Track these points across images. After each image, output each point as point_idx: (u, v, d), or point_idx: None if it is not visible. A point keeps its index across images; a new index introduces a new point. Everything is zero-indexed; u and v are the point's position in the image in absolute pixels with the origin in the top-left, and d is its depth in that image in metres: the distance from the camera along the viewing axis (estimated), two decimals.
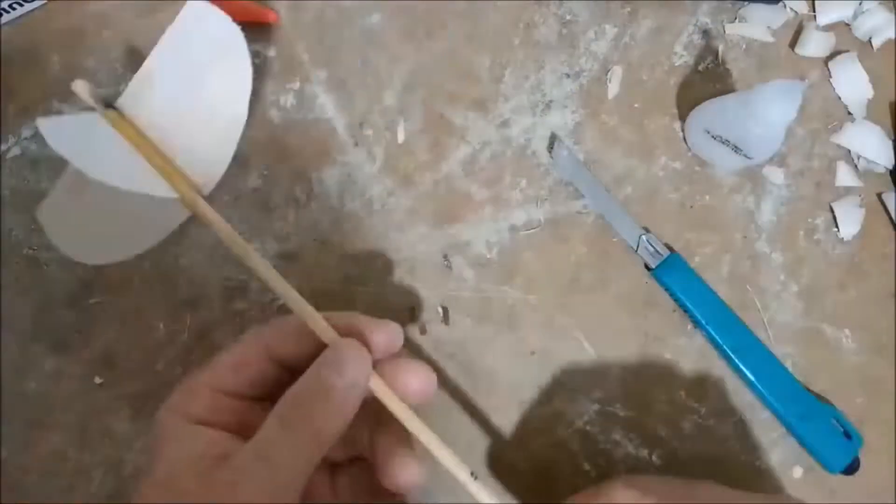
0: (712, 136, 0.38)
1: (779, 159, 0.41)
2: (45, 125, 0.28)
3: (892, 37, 0.42)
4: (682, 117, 0.41)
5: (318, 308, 0.29)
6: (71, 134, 0.29)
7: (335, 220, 0.40)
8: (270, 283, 0.28)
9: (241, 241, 0.29)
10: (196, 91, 0.30)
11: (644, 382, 0.39)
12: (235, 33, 0.30)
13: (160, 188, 0.28)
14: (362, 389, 0.27)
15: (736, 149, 0.37)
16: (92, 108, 0.30)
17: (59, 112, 0.41)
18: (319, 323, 0.28)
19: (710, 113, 0.38)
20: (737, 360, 0.38)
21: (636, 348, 0.39)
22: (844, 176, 0.41)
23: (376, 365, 0.28)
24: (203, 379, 0.27)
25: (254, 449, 0.24)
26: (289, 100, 0.41)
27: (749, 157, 0.37)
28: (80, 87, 0.30)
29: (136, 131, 0.30)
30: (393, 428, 0.28)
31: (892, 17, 0.42)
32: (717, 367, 0.39)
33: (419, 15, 0.42)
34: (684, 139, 0.41)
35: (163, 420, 0.26)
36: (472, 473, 0.27)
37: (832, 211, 0.40)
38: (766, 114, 0.34)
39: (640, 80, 0.42)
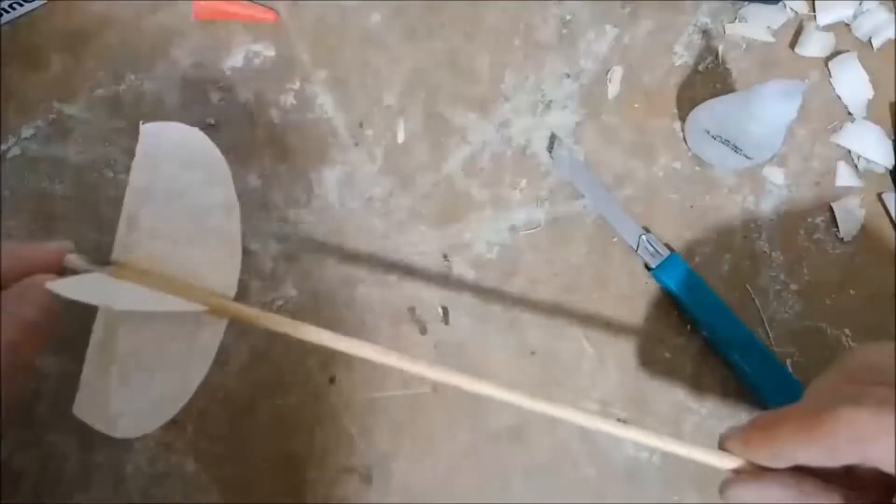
0: (712, 136, 0.38)
1: (779, 159, 0.41)
2: (58, 287, 0.27)
3: (892, 37, 0.42)
4: (682, 117, 0.41)
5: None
6: (85, 288, 0.29)
7: (335, 220, 0.40)
8: (341, 348, 0.28)
9: (289, 321, 0.28)
10: (181, 204, 0.29)
11: (644, 382, 0.39)
12: (192, 133, 0.29)
13: (186, 306, 0.28)
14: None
15: (736, 149, 0.37)
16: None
17: (59, 112, 0.41)
18: None
19: (710, 113, 0.38)
20: (737, 360, 0.38)
21: (636, 348, 0.39)
22: (844, 176, 0.41)
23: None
24: None
25: None
26: (289, 100, 0.41)
27: (749, 157, 0.37)
28: (73, 261, 0.29)
29: (142, 272, 0.29)
30: None
31: (892, 17, 0.42)
32: (717, 367, 0.39)
33: (419, 15, 0.42)
34: (684, 139, 0.41)
35: None
36: None
37: (832, 211, 0.40)
38: (765, 114, 0.34)
39: (640, 80, 0.42)
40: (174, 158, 0.29)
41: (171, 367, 0.28)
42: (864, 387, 0.22)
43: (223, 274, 0.29)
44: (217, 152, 0.30)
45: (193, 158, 0.30)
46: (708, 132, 0.38)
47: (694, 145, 0.40)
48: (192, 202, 0.29)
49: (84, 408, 0.30)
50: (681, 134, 0.41)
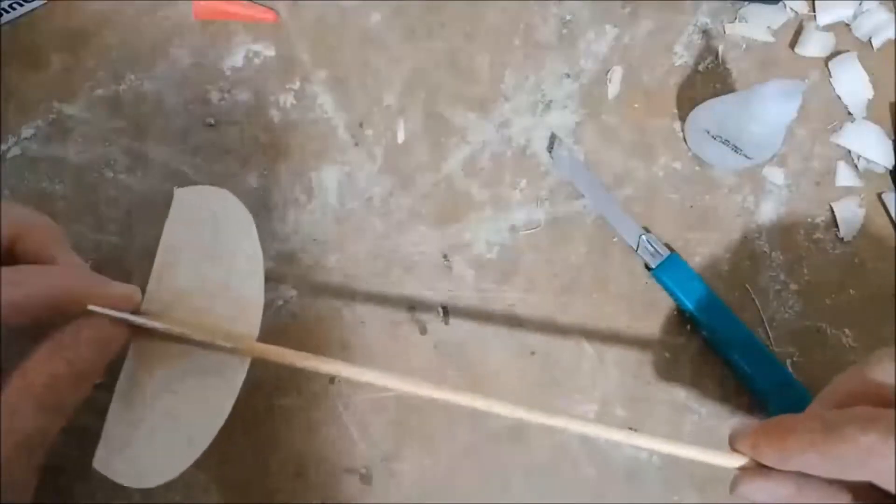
0: (712, 136, 0.38)
1: (779, 159, 0.41)
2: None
3: (892, 37, 0.42)
4: (682, 117, 0.41)
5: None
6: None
7: (335, 220, 0.40)
8: (364, 379, 0.29)
9: (314, 357, 0.29)
10: (209, 260, 0.31)
11: (644, 382, 0.39)
12: (222, 194, 0.32)
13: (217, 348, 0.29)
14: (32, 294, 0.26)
15: (736, 149, 0.37)
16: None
17: (59, 112, 0.41)
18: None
19: (710, 113, 0.38)
20: (737, 360, 0.38)
21: (636, 348, 0.39)
22: (844, 176, 0.41)
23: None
24: None
25: None
26: (289, 100, 0.41)
27: (749, 158, 0.37)
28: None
29: (171, 325, 0.29)
30: None
31: (892, 17, 0.42)
32: (717, 367, 0.39)
33: (419, 15, 0.42)
34: (684, 139, 0.41)
35: None
36: None
37: (832, 211, 0.40)
38: (765, 113, 0.34)
39: (640, 80, 0.42)
40: (205, 221, 0.31)
41: (198, 412, 0.29)
42: (875, 408, 0.23)
43: (247, 317, 0.30)
44: (243, 209, 0.32)
45: (221, 217, 0.32)
46: (708, 132, 0.38)
47: (694, 145, 0.40)
48: (219, 257, 0.31)
49: (108, 462, 0.30)
50: (681, 134, 0.41)
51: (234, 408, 0.38)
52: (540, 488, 0.38)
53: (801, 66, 0.42)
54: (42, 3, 0.41)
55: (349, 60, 0.42)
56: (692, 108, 0.41)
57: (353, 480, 0.38)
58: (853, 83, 0.41)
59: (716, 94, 0.40)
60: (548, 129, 0.41)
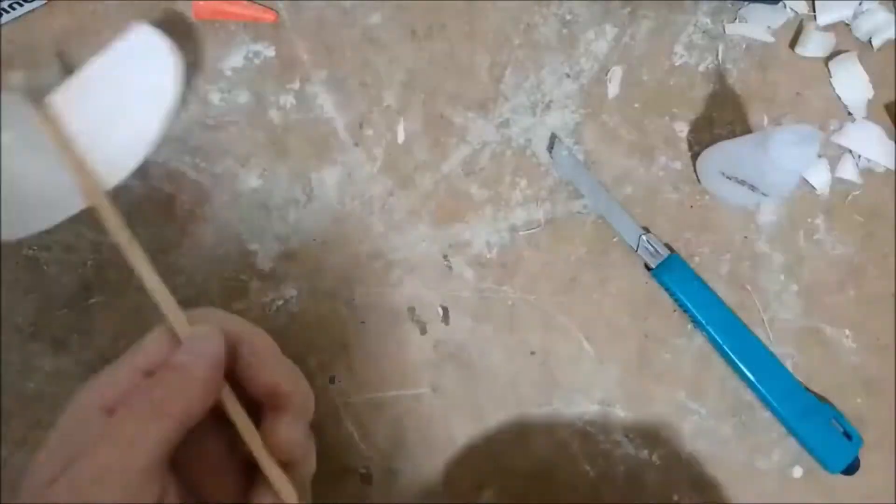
0: (726, 177, 0.37)
1: None
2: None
3: (892, 37, 0.42)
4: (683, 117, 0.41)
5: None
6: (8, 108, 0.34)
7: (335, 220, 0.40)
8: (144, 279, 0.31)
9: (127, 234, 0.31)
10: (119, 101, 0.36)
11: (644, 382, 0.39)
12: (169, 54, 0.36)
13: (67, 175, 0.33)
14: (211, 363, 0.28)
15: (752, 188, 0.36)
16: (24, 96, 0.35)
17: None
18: (178, 318, 0.30)
19: (724, 155, 0.38)
20: (737, 360, 0.38)
21: (636, 348, 0.39)
22: (844, 175, 0.41)
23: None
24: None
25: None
26: (289, 100, 0.41)
27: (765, 195, 0.37)
28: (16, 79, 0.36)
29: (58, 127, 0.34)
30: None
31: (892, 17, 0.42)
32: (717, 367, 0.39)
33: (419, 15, 0.42)
34: (697, 178, 0.40)
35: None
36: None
37: (832, 211, 0.40)
38: (782, 159, 0.33)
39: (640, 80, 0.42)
40: (142, 65, 0.36)
41: (34, 199, 0.34)
42: None
43: (112, 168, 0.34)
44: (175, 80, 0.36)
45: (155, 73, 0.36)
46: (722, 174, 0.37)
47: (706, 183, 0.40)
48: (128, 104, 0.36)
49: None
50: (681, 134, 0.41)
51: None
52: (540, 488, 0.38)
53: (801, 66, 0.42)
54: (42, 3, 0.41)
55: (349, 60, 0.42)
56: (692, 107, 0.41)
57: (353, 480, 0.38)
58: (853, 83, 0.41)
59: (716, 94, 0.40)
60: (548, 129, 0.41)
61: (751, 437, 0.39)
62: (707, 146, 0.40)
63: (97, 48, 0.42)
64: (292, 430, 0.29)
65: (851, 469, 0.37)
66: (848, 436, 0.37)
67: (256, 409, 0.30)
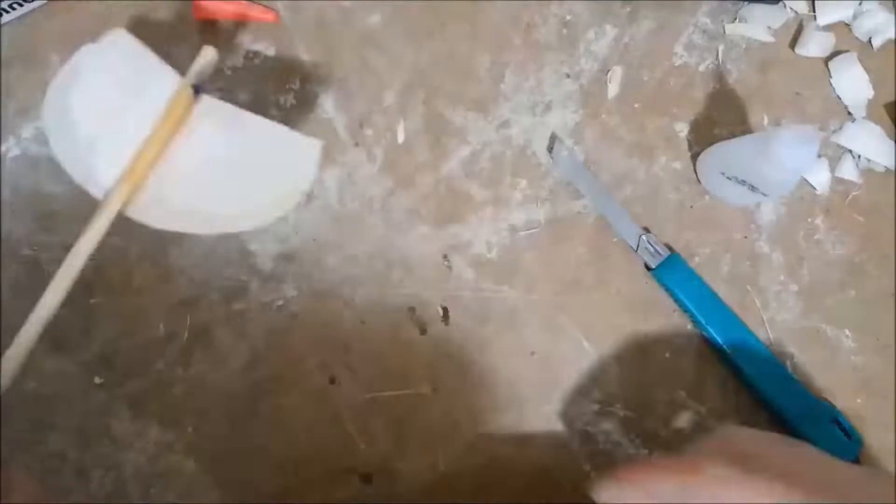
0: (727, 178, 0.37)
1: None
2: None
3: (892, 37, 0.42)
4: (683, 117, 0.41)
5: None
6: (114, 62, 0.33)
7: (335, 220, 0.40)
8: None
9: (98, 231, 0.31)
10: (252, 166, 0.34)
11: (644, 382, 0.39)
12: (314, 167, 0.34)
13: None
14: None
15: (752, 188, 0.36)
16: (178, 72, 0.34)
17: None
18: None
19: (724, 156, 0.38)
20: (737, 360, 0.38)
21: (636, 348, 0.39)
22: (844, 175, 0.41)
23: None
24: None
25: None
26: (289, 100, 0.41)
27: (765, 195, 0.37)
28: (210, 54, 0.34)
29: (177, 121, 0.33)
30: None
31: (892, 17, 0.42)
32: (717, 367, 0.39)
33: (419, 15, 0.42)
34: (697, 178, 0.40)
35: None
36: None
37: (832, 211, 0.40)
38: (784, 159, 0.33)
39: (640, 80, 0.42)
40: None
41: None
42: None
43: (165, 215, 0.33)
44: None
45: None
46: (722, 174, 0.38)
47: (707, 185, 0.40)
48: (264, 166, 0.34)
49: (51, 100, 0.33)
50: (681, 134, 0.41)
51: (235, 407, 0.38)
52: (540, 488, 0.38)
53: (801, 66, 0.42)
54: (42, 3, 0.41)
55: (349, 60, 0.42)
56: (692, 107, 0.41)
57: (353, 480, 0.38)
58: (853, 83, 0.41)
59: (716, 94, 0.40)
60: (548, 129, 0.41)
61: None
62: (707, 146, 0.40)
63: None
64: None
65: None
66: (848, 436, 0.37)
67: None
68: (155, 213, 0.33)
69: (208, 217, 0.33)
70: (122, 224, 0.40)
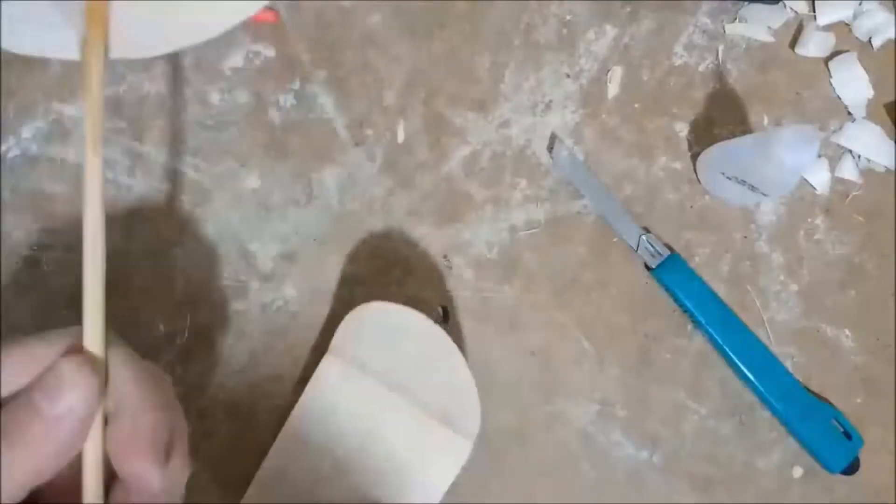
0: (727, 178, 0.37)
1: None
2: None
3: (892, 37, 0.42)
4: (683, 117, 0.41)
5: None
6: None
7: (335, 220, 0.40)
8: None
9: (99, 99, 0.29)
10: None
11: (644, 382, 0.39)
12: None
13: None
14: (82, 416, 0.24)
15: (752, 188, 0.36)
16: None
17: (60, 112, 0.41)
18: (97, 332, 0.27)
19: (724, 156, 0.38)
20: (737, 360, 0.38)
21: (636, 348, 0.39)
22: (845, 175, 0.41)
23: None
24: None
25: None
26: (289, 100, 0.41)
27: (765, 195, 0.37)
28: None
29: None
30: None
31: (892, 17, 0.42)
32: (717, 367, 0.39)
33: (419, 15, 0.42)
34: (696, 177, 0.41)
35: None
36: None
37: (832, 211, 0.40)
38: (783, 160, 0.33)
39: (640, 80, 0.42)
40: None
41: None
42: None
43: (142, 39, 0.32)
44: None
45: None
46: (722, 174, 0.38)
47: (707, 185, 0.40)
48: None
49: None
50: (681, 134, 0.41)
51: (235, 407, 0.38)
52: (540, 488, 0.38)
53: (801, 66, 0.42)
54: None
55: (349, 60, 0.42)
56: (692, 107, 0.41)
57: None
58: (853, 83, 0.41)
59: (716, 94, 0.40)
60: (548, 129, 0.41)
61: (751, 437, 0.38)
62: (707, 146, 0.40)
63: None
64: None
65: (851, 469, 0.37)
66: (848, 436, 0.37)
67: None
68: (134, 43, 0.32)
69: (187, 26, 0.32)
70: (123, 224, 0.40)
